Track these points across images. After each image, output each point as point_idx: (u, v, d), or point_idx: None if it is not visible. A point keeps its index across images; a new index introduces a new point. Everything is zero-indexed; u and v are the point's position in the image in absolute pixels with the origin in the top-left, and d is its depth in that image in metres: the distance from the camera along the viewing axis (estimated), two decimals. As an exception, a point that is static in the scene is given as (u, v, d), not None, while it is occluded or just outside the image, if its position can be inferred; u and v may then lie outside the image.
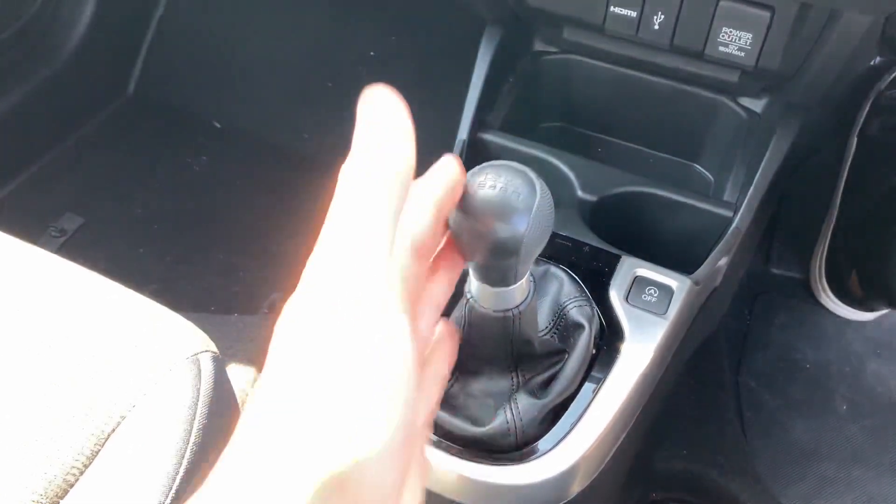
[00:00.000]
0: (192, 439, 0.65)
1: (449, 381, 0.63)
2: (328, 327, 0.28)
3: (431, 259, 0.40)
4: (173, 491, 0.63)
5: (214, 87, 1.53)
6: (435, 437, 0.63)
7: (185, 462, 0.64)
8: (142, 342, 0.68)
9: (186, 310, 1.20)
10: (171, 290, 1.24)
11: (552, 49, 0.93)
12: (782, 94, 0.84)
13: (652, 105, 0.92)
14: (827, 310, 1.21)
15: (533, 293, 0.50)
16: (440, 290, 0.41)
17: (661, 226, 0.84)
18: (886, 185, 1.12)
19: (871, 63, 1.19)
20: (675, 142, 0.96)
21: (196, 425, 0.65)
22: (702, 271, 0.75)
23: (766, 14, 0.70)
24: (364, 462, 0.27)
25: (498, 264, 0.43)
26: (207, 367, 0.68)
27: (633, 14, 0.76)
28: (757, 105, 0.88)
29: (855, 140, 1.22)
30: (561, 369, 0.62)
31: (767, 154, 0.81)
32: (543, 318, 0.64)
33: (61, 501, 0.62)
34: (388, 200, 0.30)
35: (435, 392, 0.39)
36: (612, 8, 0.76)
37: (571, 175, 0.83)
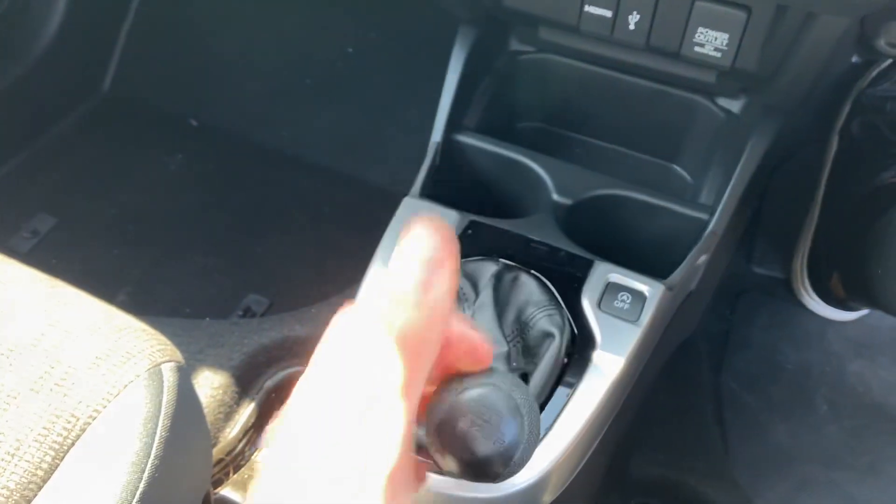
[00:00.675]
0: (154, 452, 0.63)
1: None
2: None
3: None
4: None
5: (191, 85, 1.51)
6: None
7: (146, 475, 0.62)
8: (103, 353, 0.67)
9: (161, 314, 1.19)
10: (146, 292, 1.22)
11: (529, 48, 0.91)
12: (760, 96, 0.83)
13: (630, 105, 0.91)
14: (808, 310, 1.21)
15: None
16: None
17: (637, 229, 0.83)
18: (868, 185, 1.11)
19: (852, 61, 1.19)
20: (653, 142, 0.95)
21: (157, 438, 0.63)
22: (676, 276, 0.74)
23: (743, 14, 0.69)
24: None
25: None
26: (171, 379, 0.66)
27: (608, 14, 0.75)
28: (735, 105, 0.87)
29: (836, 139, 1.21)
30: (529, 380, 0.61)
31: (744, 157, 0.80)
32: (507, 327, 0.63)
33: (19, 517, 0.61)
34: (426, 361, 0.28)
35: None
36: (586, 7, 0.75)
37: (547, 177, 0.82)
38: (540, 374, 0.61)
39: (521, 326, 0.64)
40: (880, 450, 1.07)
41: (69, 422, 0.63)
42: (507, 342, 0.63)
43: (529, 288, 0.67)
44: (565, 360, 0.65)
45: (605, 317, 0.68)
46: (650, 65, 0.82)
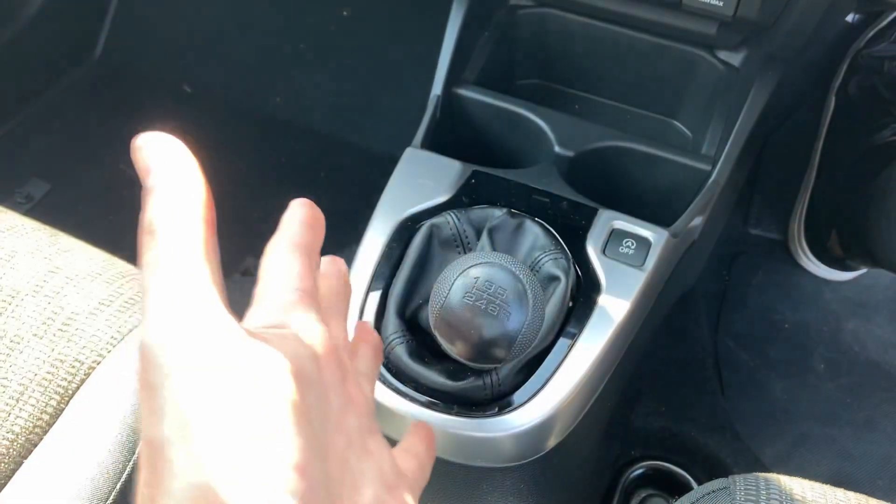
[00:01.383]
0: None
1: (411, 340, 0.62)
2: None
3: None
4: (140, 447, 0.61)
5: (184, 51, 1.49)
6: (406, 389, 0.61)
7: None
8: (106, 299, 0.66)
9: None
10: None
11: (528, 2, 0.91)
12: (761, 47, 0.83)
13: (629, 60, 0.90)
14: (805, 270, 1.21)
15: None
16: (366, 365, 0.40)
17: (639, 181, 0.83)
18: (864, 144, 1.11)
19: (849, 22, 1.19)
20: (653, 97, 0.94)
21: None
22: (680, 224, 0.74)
23: None
24: None
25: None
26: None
27: None
28: (735, 59, 0.87)
29: (833, 99, 1.22)
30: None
31: (746, 105, 0.80)
32: None
33: (25, 461, 0.61)
34: (198, 236, 0.29)
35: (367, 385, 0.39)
36: None
37: (548, 130, 0.81)
38: (546, 318, 0.61)
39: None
40: (876, 406, 1.08)
41: (73, 367, 0.63)
42: None
43: (534, 233, 0.67)
44: (570, 303, 0.65)
45: (610, 262, 0.68)
46: (651, 17, 0.81)
